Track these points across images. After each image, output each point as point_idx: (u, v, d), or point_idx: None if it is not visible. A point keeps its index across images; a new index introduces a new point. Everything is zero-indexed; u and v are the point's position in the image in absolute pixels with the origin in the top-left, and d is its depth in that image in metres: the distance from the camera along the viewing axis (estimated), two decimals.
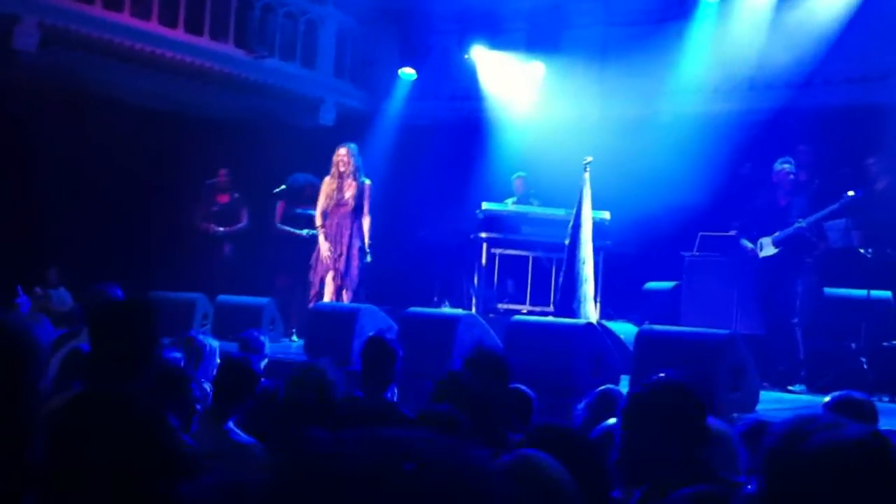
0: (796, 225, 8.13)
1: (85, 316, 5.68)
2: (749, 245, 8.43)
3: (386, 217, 12.08)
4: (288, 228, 10.90)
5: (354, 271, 9.31)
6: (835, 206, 8.19)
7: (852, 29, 10.56)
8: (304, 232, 10.75)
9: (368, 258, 9.46)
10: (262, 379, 4.94)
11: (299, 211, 10.89)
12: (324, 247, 9.32)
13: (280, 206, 11.10)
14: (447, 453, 1.06)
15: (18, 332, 1.98)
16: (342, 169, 9.35)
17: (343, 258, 9.27)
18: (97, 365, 3.39)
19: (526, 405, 5.24)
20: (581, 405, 5.06)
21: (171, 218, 11.58)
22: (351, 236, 9.34)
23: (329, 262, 9.26)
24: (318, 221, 9.40)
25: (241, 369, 4.45)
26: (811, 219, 8.15)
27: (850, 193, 8.14)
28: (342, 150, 9.44)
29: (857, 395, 4.34)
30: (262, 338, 6.38)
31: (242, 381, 4.36)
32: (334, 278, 9.26)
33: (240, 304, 9.58)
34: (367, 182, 9.50)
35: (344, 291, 9.28)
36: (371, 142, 13.04)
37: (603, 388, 5.19)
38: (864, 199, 8.25)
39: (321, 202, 9.45)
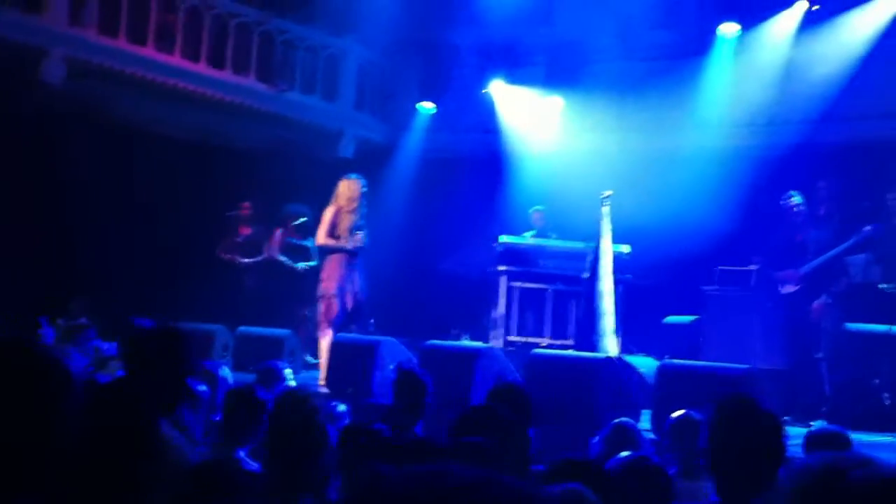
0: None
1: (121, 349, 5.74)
2: (779, 276, 8.46)
3: (406, 249, 12.15)
4: (284, 259, 10.95)
5: (335, 307, 8.86)
6: (852, 242, 8.22)
7: (870, 65, 10.60)
8: (300, 265, 10.82)
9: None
10: None
11: (293, 241, 10.99)
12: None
13: (278, 235, 11.14)
14: (513, 493, 1.08)
15: (49, 359, 2.02)
16: (341, 203, 8.96)
17: (333, 296, 8.85)
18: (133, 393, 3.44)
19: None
20: (596, 438, 5.07)
21: (193, 248, 11.66)
22: (345, 272, 8.92)
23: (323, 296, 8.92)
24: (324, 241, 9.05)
25: (246, 398, 4.49)
26: (829, 254, 8.17)
27: (868, 228, 8.15)
28: (343, 182, 9.05)
29: (833, 428, 4.60)
30: (281, 369, 6.38)
31: (249, 410, 4.40)
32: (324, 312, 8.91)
33: (260, 335, 9.60)
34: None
35: (323, 327, 8.89)
36: (391, 174, 13.13)
37: (618, 420, 5.20)
38: (881, 232, 8.25)
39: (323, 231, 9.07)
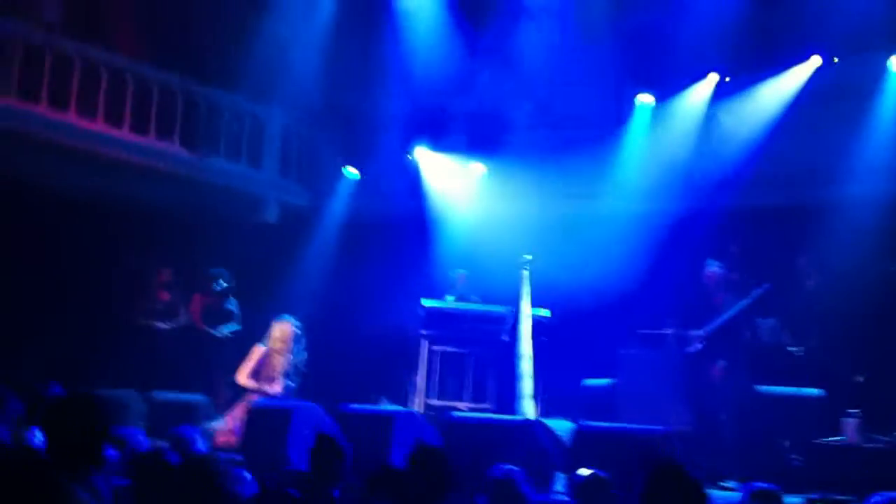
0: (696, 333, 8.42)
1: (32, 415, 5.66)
2: (688, 336, 8.64)
3: (329, 313, 12.12)
4: (207, 328, 10.94)
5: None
6: (746, 302, 8.46)
7: (779, 133, 10.97)
8: (222, 331, 10.81)
9: None
10: None
11: (215, 306, 11.00)
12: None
13: (198, 300, 11.10)
14: None
15: None
16: (272, 345, 9.19)
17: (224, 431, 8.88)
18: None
19: None
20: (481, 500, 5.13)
21: (111, 314, 11.48)
22: None
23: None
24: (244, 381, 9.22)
25: (155, 463, 4.46)
26: (726, 315, 8.40)
27: (759, 289, 8.41)
28: (275, 325, 9.29)
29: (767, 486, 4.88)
30: (192, 434, 6.30)
31: (157, 475, 4.35)
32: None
33: (175, 400, 9.49)
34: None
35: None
36: (314, 238, 13.13)
37: (498, 473, 5.24)
38: (775, 291, 8.49)
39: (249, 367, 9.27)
